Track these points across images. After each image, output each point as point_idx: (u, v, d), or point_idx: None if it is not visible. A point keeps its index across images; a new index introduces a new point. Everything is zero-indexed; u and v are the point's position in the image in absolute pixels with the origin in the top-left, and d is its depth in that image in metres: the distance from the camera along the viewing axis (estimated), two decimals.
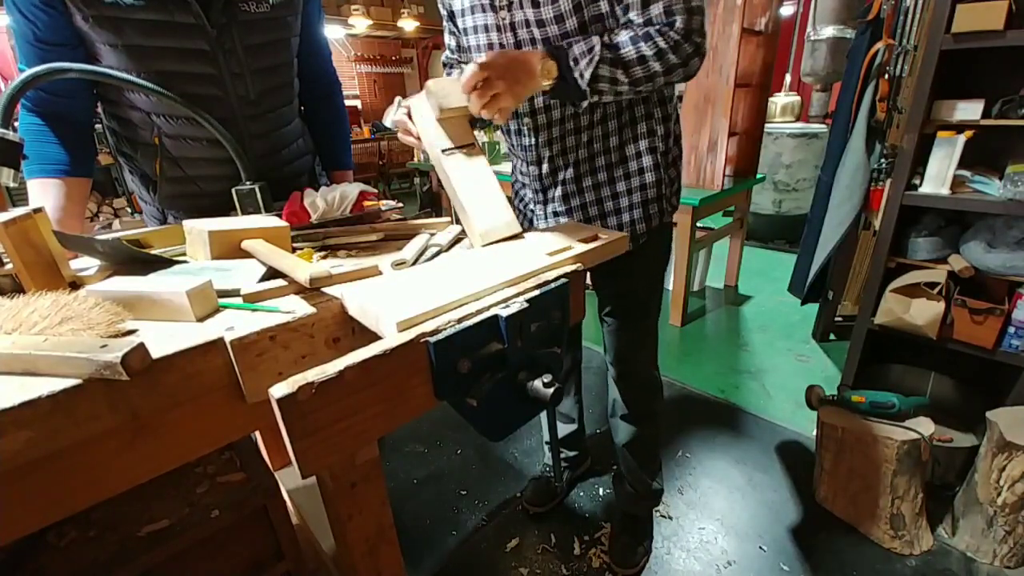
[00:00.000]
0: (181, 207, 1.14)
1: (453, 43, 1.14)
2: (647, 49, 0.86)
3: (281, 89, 1.13)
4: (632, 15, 0.89)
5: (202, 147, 1.06)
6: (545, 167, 1.11)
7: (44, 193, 0.96)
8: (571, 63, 0.85)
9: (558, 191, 1.13)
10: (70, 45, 0.92)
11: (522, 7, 0.93)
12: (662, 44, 0.86)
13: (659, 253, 1.20)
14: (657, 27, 0.87)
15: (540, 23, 0.93)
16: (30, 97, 0.95)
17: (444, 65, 1.20)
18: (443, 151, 0.86)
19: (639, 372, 1.29)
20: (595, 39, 0.85)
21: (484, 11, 0.98)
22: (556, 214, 1.15)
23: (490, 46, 1.01)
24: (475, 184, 0.86)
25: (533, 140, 1.08)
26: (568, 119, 1.03)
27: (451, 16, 1.10)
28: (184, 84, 0.97)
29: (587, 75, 0.84)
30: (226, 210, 1.03)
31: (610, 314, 1.25)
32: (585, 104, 0.94)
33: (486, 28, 1.00)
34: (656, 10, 0.87)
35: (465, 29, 1.04)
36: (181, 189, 1.11)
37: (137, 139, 1.07)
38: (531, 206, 1.21)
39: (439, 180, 0.88)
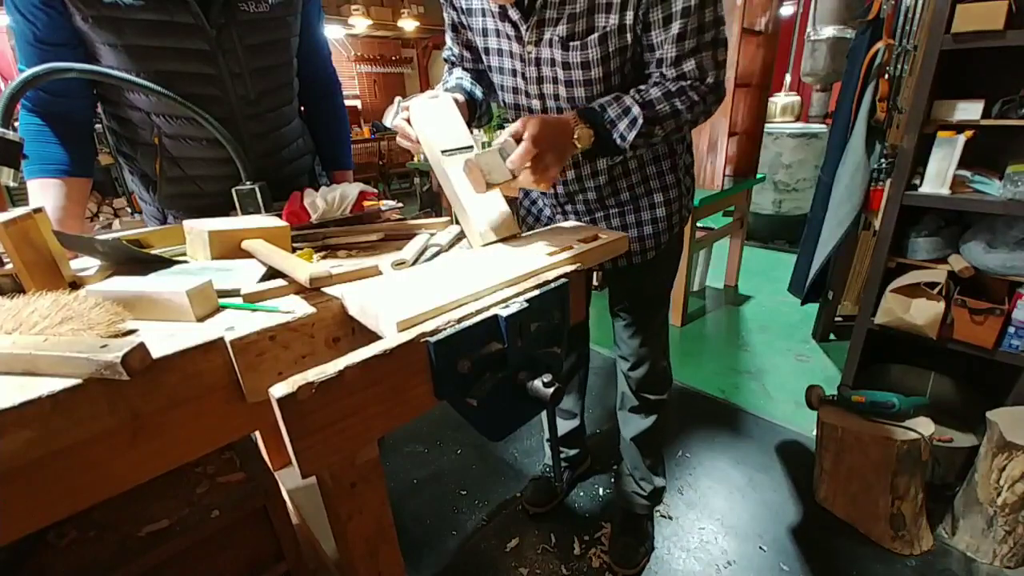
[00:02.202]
0: (181, 207, 1.14)
1: (456, 49, 1.15)
2: (680, 104, 0.89)
3: (281, 89, 1.13)
4: (664, 70, 0.90)
5: (202, 147, 1.06)
6: (560, 188, 1.13)
7: (44, 193, 0.96)
8: (607, 125, 0.88)
9: (578, 207, 1.15)
10: (70, 45, 0.92)
11: (551, 46, 0.92)
12: (695, 97, 0.89)
13: (675, 252, 1.23)
14: (690, 83, 0.89)
15: (566, 65, 0.93)
16: (30, 97, 0.95)
17: (445, 61, 1.20)
18: (442, 152, 0.86)
19: (652, 362, 1.31)
20: (628, 99, 0.87)
21: (509, 39, 0.97)
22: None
23: (513, 72, 1.01)
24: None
25: None
26: None
27: (456, 26, 1.09)
28: (184, 84, 0.97)
29: (630, 137, 0.87)
30: (226, 210, 1.03)
31: (624, 309, 1.27)
32: (620, 159, 0.98)
33: (510, 54, 1.00)
34: (689, 66, 0.88)
35: (486, 49, 1.04)
36: (181, 189, 1.11)
37: (137, 139, 1.07)
38: (546, 211, 1.22)
39: (439, 180, 0.89)
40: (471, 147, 0.89)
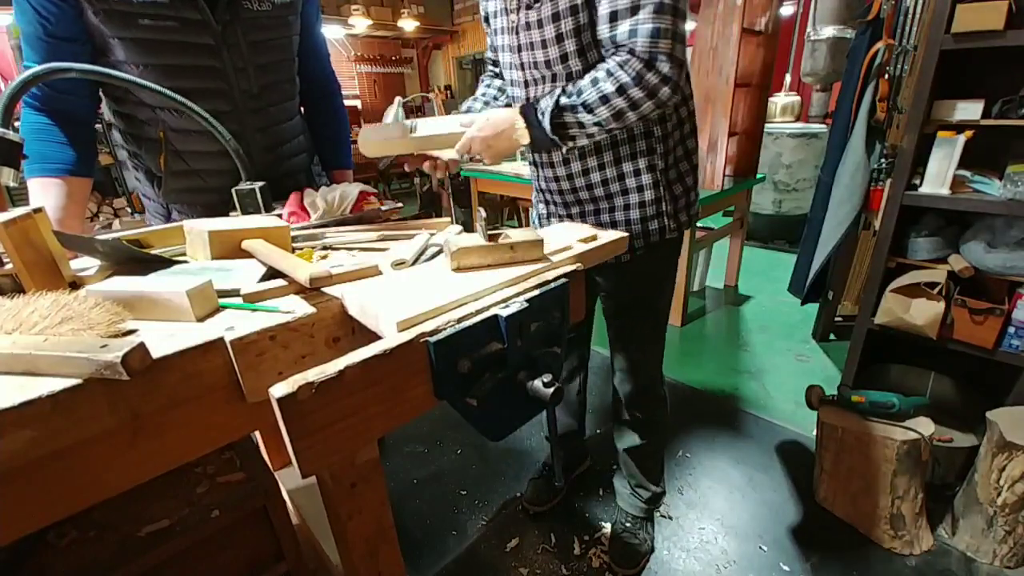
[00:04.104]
0: (185, 201, 1.16)
1: (488, 42, 1.20)
2: (608, 86, 0.85)
3: (282, 84, 1.16)
4: (602, 28, 0.88)
5: (206, 141, 1.07)
6: (547, 172, 1.13)
7: (45, 192, 0.97)
8: (538, 117, 0.90)
9: (555, 198, 1.16)
10: (80, 40, 0.94)
11: (528, 8, 0.95)
12: (624, 78, 0.84)
13: (658, 267, 1.17)
14: (621, 58, 0.85)
15: (539, 24, 0.94)
16: (35, 95, 0.96)
17: (486, 61, 1.28)
18: (411, 132, 0.98)
19: (639, 383, 1.29)
20: (558, 91, 0.90)
21: (506, 14, 1.02)
22: (560, 217, 1.17)
23: (509, 47, 1.04)
24: (436, 123, 1.00)
25: None
26: None
27: (487, 17, 1.13)
28: (190, 77, 1.00)
29: (546, 124, 0.89)
30: (229, 204, 1.04)
31: (609, 314, 1.26)
32: (564, 150, 0.99)
33: (506, 29, 1.03)
34: (622, 28, 0.84)
35: (495, 30, 1.08)
36: (186, 183, 1.13)
37: (142, 135, 1.09)
38: (539, 207, 1.25)
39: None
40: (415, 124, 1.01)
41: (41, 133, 0.97)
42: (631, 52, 0.84)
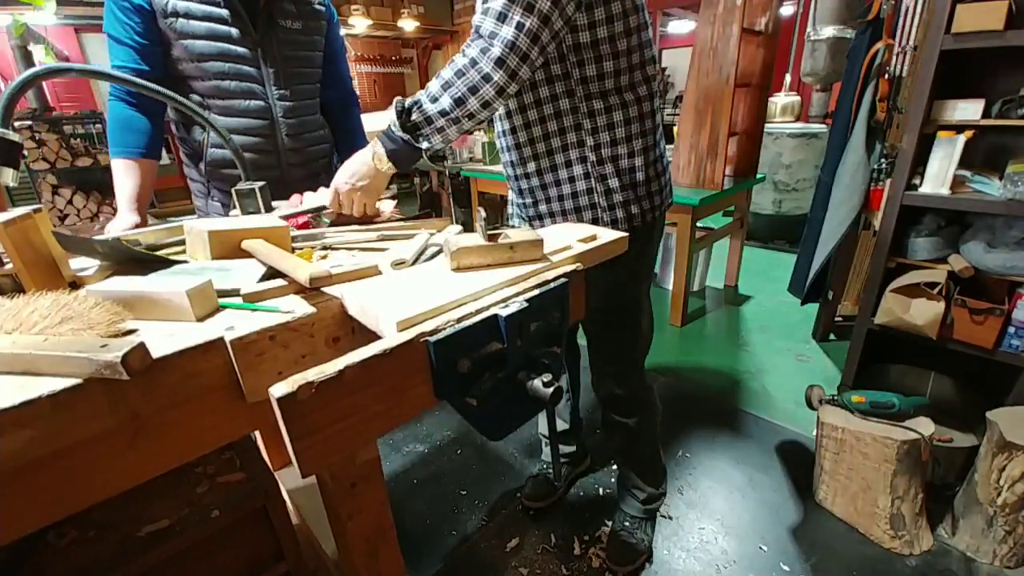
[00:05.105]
0: (221, 178, 1.32)
1: None
2: (448, 72, 0.85)
3: (307, 86, 1.37)
4: (476, 16, 0.88)
5: (237, 116, 1.27)
6: (503, 156, 1.16)
7: (129, 169, 1.18)
8: (391, 127, 0.91)
9: (513, 183, 1.17)
10: (153, 42, 1.16)
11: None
12: (462, 62, 0.84)
13: (606, 268, 1.06)
14: (468, 41, 0.85)
15: None
16: (132, 93, 1.16)
17: None
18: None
19: (614, 392, 1.29)
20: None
21: None
22: (516, 205, 1.20)
23: None
24: None
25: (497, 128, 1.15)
26: (504, 118, 1.08)
27: None
28: (233, 76, 1.22)
29: (393, 122, 0.89)
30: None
31: (584, 331, 1.27)
32: (423, 152, 0.94)
33: None
34: (480, 10, 0.85)
35: None
36: (221, 155, 1.29)
37: (191, 121, 1.29)
38: (509, 194, 1.27)
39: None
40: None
41: (129, 122, 1.18)
42: (477, 31, 0.84)
